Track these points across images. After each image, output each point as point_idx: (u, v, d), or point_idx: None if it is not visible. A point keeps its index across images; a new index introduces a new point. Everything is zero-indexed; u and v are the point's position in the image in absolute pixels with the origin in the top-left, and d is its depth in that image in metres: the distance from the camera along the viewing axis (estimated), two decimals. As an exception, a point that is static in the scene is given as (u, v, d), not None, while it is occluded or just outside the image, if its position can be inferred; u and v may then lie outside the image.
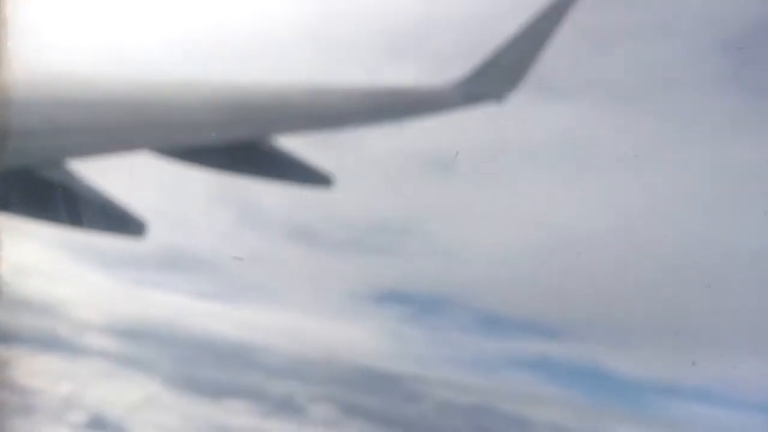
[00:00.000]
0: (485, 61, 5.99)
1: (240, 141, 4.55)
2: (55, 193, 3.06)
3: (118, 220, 3.24)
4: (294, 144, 4.71)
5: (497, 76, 5.73)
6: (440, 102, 5.52)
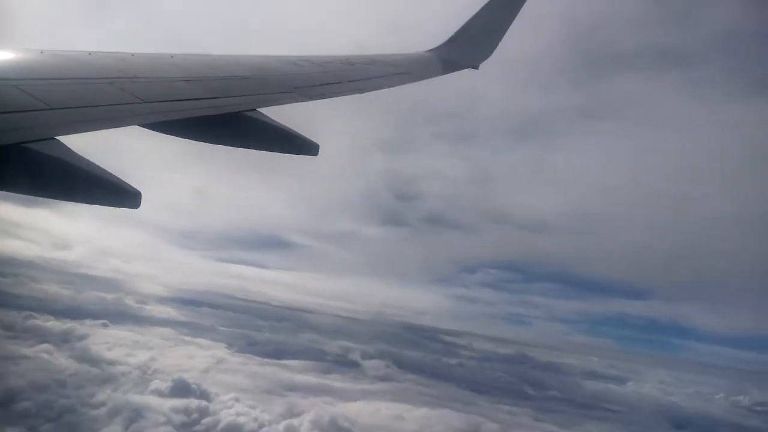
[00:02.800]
0: (460, 30, 6.47)
1: (227, 112, 4.50)
2: (49, 167, 2.99)
3: (114, 192, 3.20)
4: (280, 114, 4.83)
5: (472, 44, 6.18)
6: (422, 69, 5.95)
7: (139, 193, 3.20)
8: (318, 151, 4.79)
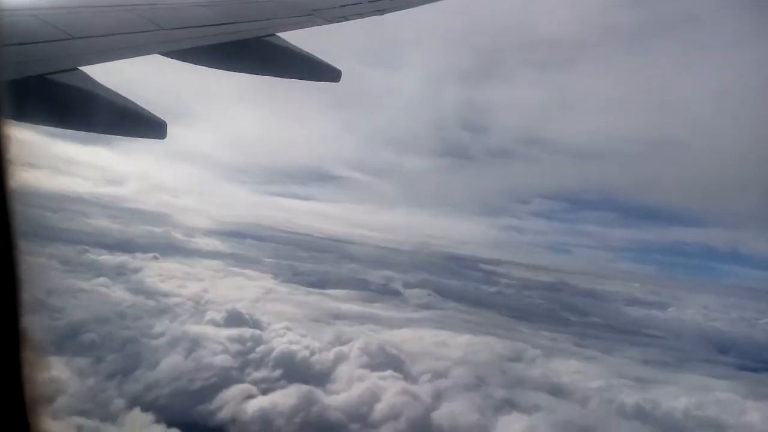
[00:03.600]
0: None
1: (247, 39, 4.42)
2: (73, 98, 2.91)
3: (139, 122, 3.13)
4: (300, 39, 4.75)
5: None
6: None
7: (165, 123, 3.12)
8: (340, 77, 4.69)
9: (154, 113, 3.13)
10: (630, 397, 54.20)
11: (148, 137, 3.17)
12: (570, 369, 67.06)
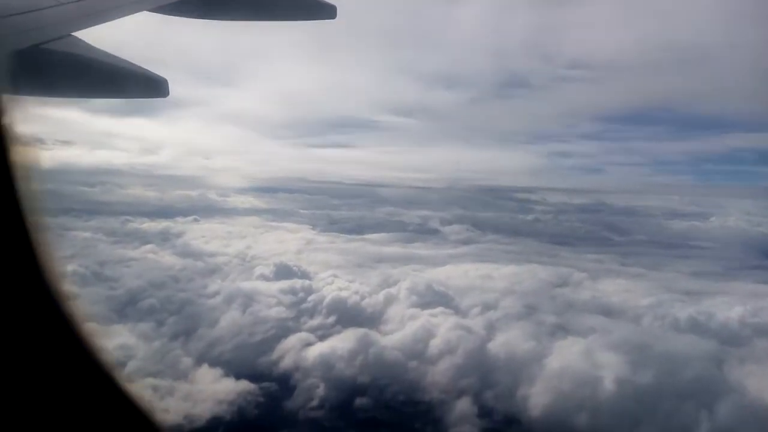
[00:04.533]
0: None
1: None
2: (70, 65, 2.78)
3: (139, 83, 3.01)
4: None
5: None
6: None
7: (165, 81, 3.03)
8: (335, 13, 4.44)
9: (152, 71, 3.04)
10: (683, 311, 54.14)
11: (150, 96, 3.09)
12: (618, 288, 67.05)
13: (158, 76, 3.03)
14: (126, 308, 51.19)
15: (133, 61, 3.00)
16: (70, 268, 60.25)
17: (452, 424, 37.83)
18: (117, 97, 3.19)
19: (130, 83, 2.97)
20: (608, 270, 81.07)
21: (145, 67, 3.07)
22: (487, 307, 54.79)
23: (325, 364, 43.24)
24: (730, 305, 55.31)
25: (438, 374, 42.70)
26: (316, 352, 44.87)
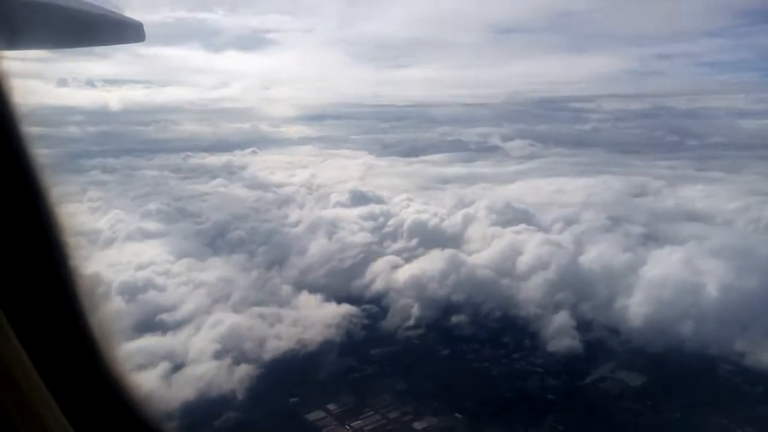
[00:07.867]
0: None
1: None
2: (37, 14, 2.52)
3: (113, 28, 2.90)
4: None
5: None
6: None
7: (141, 24, 2.93)
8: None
9: (126, 15, 2.95)
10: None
11: (126, 42, 2.97)
12: (700, 194, 64.90)
13: (133, 20, 2.95)
14: (216, 241, 52.66)
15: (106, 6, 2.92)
16: (152, 206, 62.10)
17: (551, 337, 38.15)
18: (92, 45, 2.97)
19: (105, 30, 2.88)
20: (684, 176, 78.30)
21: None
22: (569, 221, 53.99)
23: (417, 284, 43.81)
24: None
25: (531, 290, 42.77)
26: (407, 274, 45.40)
